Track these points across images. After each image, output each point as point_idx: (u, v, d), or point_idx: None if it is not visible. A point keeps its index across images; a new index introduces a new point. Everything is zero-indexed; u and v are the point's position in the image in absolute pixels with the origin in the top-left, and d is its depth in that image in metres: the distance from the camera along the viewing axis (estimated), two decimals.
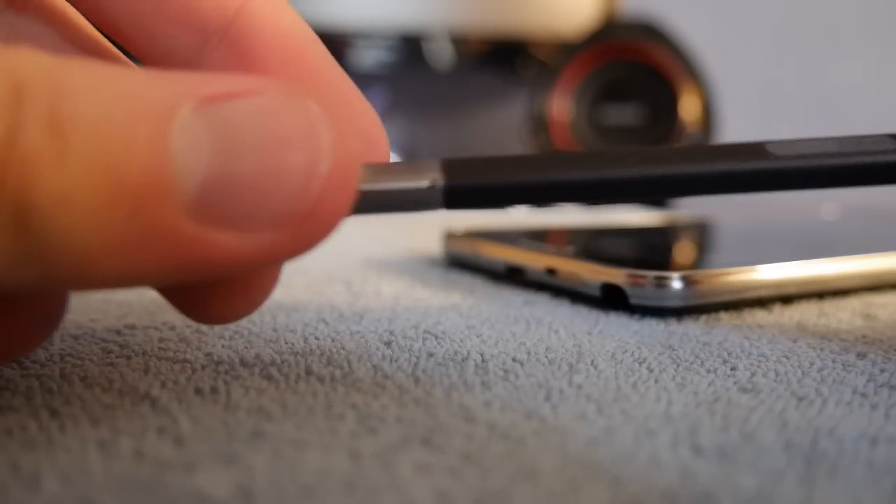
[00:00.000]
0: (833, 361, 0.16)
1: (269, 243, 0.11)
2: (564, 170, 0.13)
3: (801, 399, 0.14)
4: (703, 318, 0.20)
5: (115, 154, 0.10)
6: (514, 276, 0.25)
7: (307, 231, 0.11)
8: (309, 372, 0.15)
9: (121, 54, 0.15)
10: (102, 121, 0.10)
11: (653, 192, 0.14)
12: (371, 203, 0.13)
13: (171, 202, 0.10)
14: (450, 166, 0.13)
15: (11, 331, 0.13)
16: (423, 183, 0.13)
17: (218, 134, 0.10)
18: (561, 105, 0.61)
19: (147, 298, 0.22)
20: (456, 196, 0.13)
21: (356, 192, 0.12)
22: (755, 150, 0.14)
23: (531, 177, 0.13)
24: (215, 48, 0.14)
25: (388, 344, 0.17)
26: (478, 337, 0.18)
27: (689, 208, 0.57)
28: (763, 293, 0.22)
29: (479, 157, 0.13)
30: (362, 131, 0.14)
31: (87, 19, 0.14)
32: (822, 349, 0.17)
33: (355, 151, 0.11)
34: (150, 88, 0.10)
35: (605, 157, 0.14)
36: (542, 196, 0.14)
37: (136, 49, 0.14)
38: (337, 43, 0.66)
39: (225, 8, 0.14)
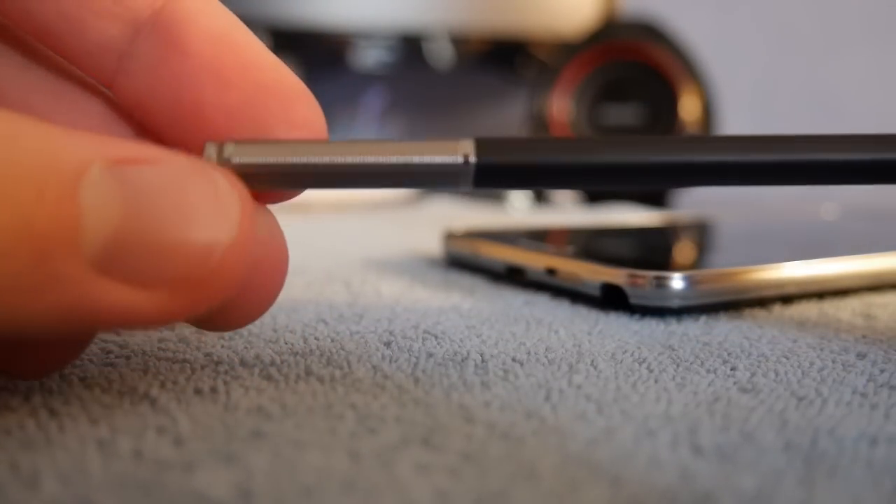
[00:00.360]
0: (833, 361, 0.16)
1: (164, 302, 0.11)
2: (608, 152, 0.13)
3: (801, 399, 0.14)
4: (703, 318, 0.20)
5: (26, 203, 0.10)
6: (514, 276, 0.25)
7: (202, 295, 0.11)
8: (308, 372, 0.15)
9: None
10: (16, 168, 0.10)
11: (697, 180, 0.14)
12: (406, 178, 0.13)
13: (76, 253, 0.10)
14: (482, 144, 0.13)
15: (39, 353, 0.14)
16: (457, 158, 0.13)
17: (128, 194, 0.11)
18: (561, 105, 0.61)
19: None
20: (486, 173, 0.13)
21: (245, 263, 0.12)
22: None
23: (568, 158, 0.13)
24: (145, 39, 0.14)
25: (387, 344, 0.17)
26: (478, 337, 0.18)
27: (688, 208, 0.57)
28: (763, 293, 0.22)
29: (511, 136, 0.14)
30: (298, 122, 0.14)
31: (18, 25, 0.14)
32: (822, 349, 0.17)
33: (255, 224, 0.12)
34: (66, 142, 0.11)
35: (652, 142, 0.14)
36: (577, 179, 0.14)
37: (67, 49, 0.14)
38: (337, 43, 0.66)
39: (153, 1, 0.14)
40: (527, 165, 0.13)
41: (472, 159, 0.13)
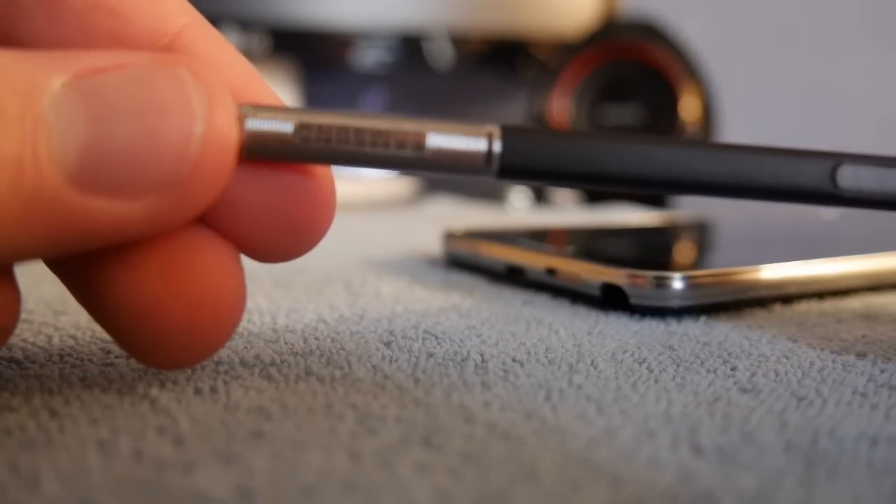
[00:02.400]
0: (833, 361, 0.16)
1: (152, 208, 0.11)
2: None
3: (801, 399, 0.14)
4: (703, 318, 0.20)
5: None
6: (514, 276, 0.25)
7: (190, 194, 0.11)
8: (309, 372, 0.15)
9: None
10: None
11: (703, 192, 0.14)
12: (435, 164, 0.13)
13: (51, 173, 0.10)
14: (507, 133, 0.13)
15: None
16: (481, 146, 0.13)
17: (92, 105, 0.11)
18: (561, 105, 0.61)
19: None
20: (511, 167, 0.13)
21: (238, 149, 0.12)
22: (823, 173, 0.14)
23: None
24: None
25: (387, 344, 0.17)
26: (478, 337, 0.18)
27: (688, 208, 0.57)
28: (763, 293, 0.22)
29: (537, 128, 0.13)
30: None
31: None
32: (822, 349, 0.17)
33: (232, 114, 0.12)
34: (19, 66, 0.11)
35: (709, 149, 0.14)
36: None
37: None
38: (337, 43, 0.66)
39: (158, 38, 0.14)
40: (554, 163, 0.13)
41: (498, 149, 0.13)
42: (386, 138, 0.13)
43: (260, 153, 0.12)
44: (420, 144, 0.13)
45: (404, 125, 0.13)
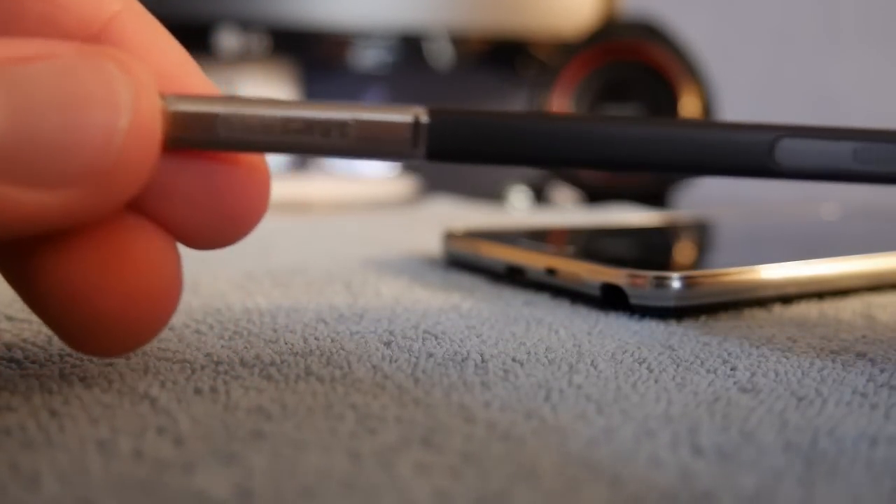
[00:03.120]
0: (833, 361, 0.16)
1: (74, 199, 0.11)
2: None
3: (801, 399, 0.14)
4: (703, 318, 0.20)
5: None
6: (514, 276, 0.25)
7: (112, 185, 0.11)
8: (308, 372, 0.15)
9: None
10: None
11: (639, 168, 0.14)
12: (362, 149, 0.13)
13: None
14: (436, 114, 0.13)
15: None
16: (408, 118, 0.13)
17: (14, 94, 0.11)
18: (561, 105, 0.61)
19: None
20: (439, 148, 0.13)
21: (163, 139, 0.12)
22: (761, 148, 0.13)
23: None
24: None
25: (387, 344, 0.17)
26: (477, 337, 0.18)
27: (688, 208, 0.57)
28: (763, 293, 0.22)
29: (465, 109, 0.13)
30: None
31: None
32: (822, 349, 0.17)
33: (157, 107, 0.12)
34: None
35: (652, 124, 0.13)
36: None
37: None
38: (337, 43, 0.66)
39: (89, 24, 0.14)
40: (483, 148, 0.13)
41: (425, 119, 0.13)
42: (311, 125, 0.13)
43: (185, 143, 0.13)
44: (345, 130, 0.13)
45: (329, 111, 0.13)
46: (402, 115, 0.13)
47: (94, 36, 0.14)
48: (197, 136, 0.13)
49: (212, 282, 0.24)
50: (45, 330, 0.18)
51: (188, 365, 0.15)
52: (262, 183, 0.14)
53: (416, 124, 0.13)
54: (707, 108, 0.59)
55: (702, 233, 0.34)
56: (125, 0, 0.14)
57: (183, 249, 0.14)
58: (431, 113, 0.13)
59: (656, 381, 0.15)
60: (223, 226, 0.14)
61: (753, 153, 0.13)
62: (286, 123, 0.13)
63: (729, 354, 0.17)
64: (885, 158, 0.13)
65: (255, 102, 0.13)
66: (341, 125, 0.13)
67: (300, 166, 0.66)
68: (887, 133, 0.13)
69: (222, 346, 0.17)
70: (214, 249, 0.14)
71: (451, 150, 0.13)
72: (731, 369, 0.16)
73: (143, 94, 0.12)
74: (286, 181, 0.65)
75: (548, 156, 0.13)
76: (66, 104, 0.11)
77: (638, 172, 0.13)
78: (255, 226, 0.14)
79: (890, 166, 0.13)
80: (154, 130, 0.12)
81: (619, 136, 0.13)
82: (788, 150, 0.13)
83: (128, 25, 0.14)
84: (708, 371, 0.16)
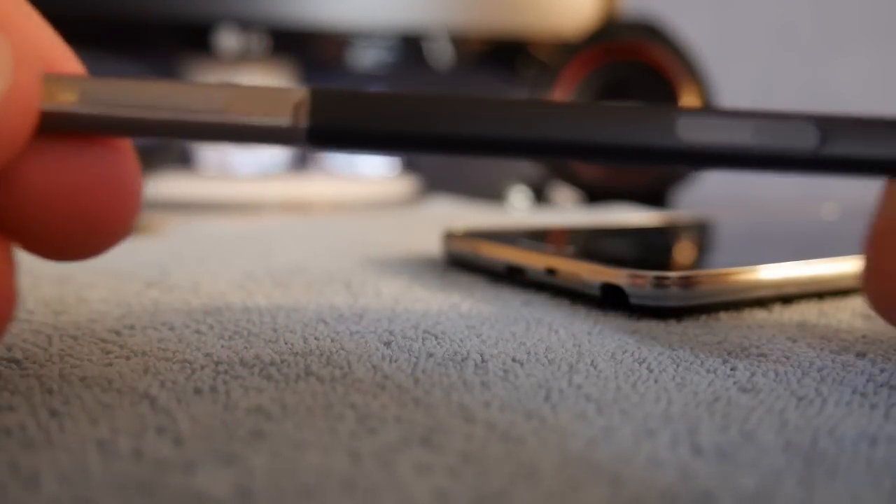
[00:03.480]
0: (833, 361, 0.16)
1: None
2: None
3: (800, 399, 0.14)
4: (703, 318, 0.20)
5: None
6: (514, 276, 0.25)
7: None
8: (308, 372, 0.15)
9: None
10: None
11: (541, 154, 0.13)
12: (233, 133, 0.12)
13: None
14: (316, 97, 0.12)
15: None
16: (286, 122, 0.12)
17: None
18: None
19: (146, 298, 0.22)
20: (320, 135, 0.12)
21: (38, 112, 0.12)
22: (661, 126, 0.13)
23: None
24: None
25: (387, 344, 0.17)
26: (477, 337, 0.18)
27: (688, 208, 0.57)
28: (763, 293, 0.22)
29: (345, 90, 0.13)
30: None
31: None
32: (822, 349, 0.17)
33: (35, 74, 0.12)
34: None
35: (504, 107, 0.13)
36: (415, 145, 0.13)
37: None
38: (337, 43, 0.66)
39: None
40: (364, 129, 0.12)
41: (304, 124, 0.12)
42: (186, 105, 0.12)
43: (56, 123, 0.12)
44: (220, 112, 0.12)
45: (205, 91, 0.12)
46: (281, 95, 0.12)
47: None
48: (69, 117, 0.12)
49: (212, 282, 0.24)
50: (45, 330, 0.18)
51: (188, 365, 0.15)
52: (130, 185, 0.13)
53: (297, 104, 0.12)
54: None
55: (702, 233, 0.34)
56: None
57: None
58: (313, 92, 0.12)
59: (656, 381, 0.15)
60: (82, 231, 0.13)
61: (657, 131, 0.13)
62: (159, 101, 0.12)
63: (729, 354, 0.17)
64: (783, 135, 0.13)
65: (130, 82, 0.12)
66: (218, 105, 0.12)
67: (300, 166, 0.66)
68: (785, 113, 0.13)
69: (222, 346, 0.17)
70: (67, 261, 0.13)
71: (335, 132, 0.12)
72: (731, 369, 0.16)
73: (23, 61, 0.11)
74: (286, 181, 0.65)
75: (437, 139, 0.13)
76: None
77: (539, 158, 0.13)
78: (121, 236, 0.13)
79: (788, 142, 0.13)
80: (32, 98, 0.12)
81: (517, 118, 0.13)
82: (690, 126, 0.13)
83: (7, 9, 0.13)
84: (708, 371, 0.16)
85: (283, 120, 0.12)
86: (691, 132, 0.13)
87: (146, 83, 0.12)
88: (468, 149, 0.13)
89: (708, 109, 0.13)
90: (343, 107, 0.12)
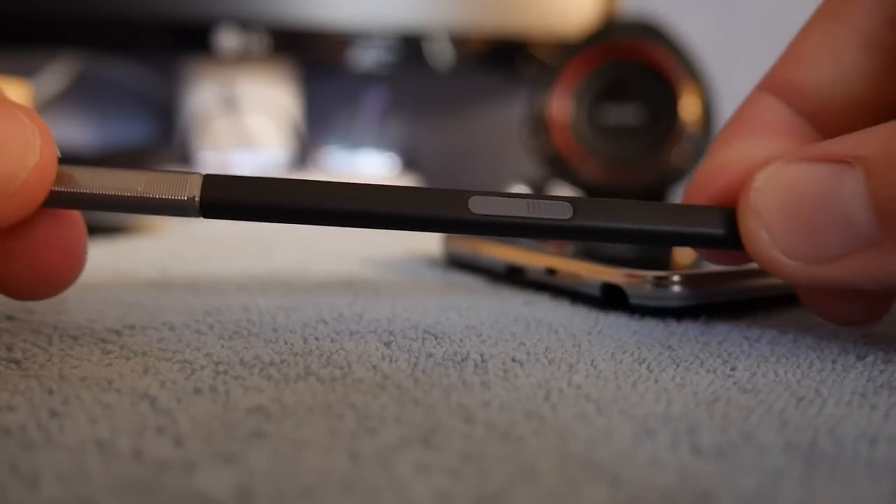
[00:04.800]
0: (833, 362, 0.16)
1: None
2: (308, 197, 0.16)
3: (800, 399, 0.14)
4: (703, 318, 0.20)
5: None
6: (514, 276, 0.25)
7: (9, 208, 0.14)
8: (308, 372, 0.15)
9: None
10: None
11: (367, 224, 0.17)
12: (138, 206, 0.16)
13: None
14: (208, 181, 0.16)
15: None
16: (183, 196, 0.16)
17: None
18: (561, 105, 0.61)
19: (146, 298, 0.22)
20: (211, 207, 0.16)
21: (51, 182, 0.15)
22: (458, 202, 0.16)
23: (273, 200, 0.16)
24: None
25: (387, 344, 0.17)
26: (477, 337, 0.18)
27: None
28: (763, 293, 0.22)
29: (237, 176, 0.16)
30: None
31: None
32: (822, 349, 0.17)
33: (55, 154, 0.15)
34: None
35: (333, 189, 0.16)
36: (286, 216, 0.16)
37: None
38: (337, 43, 0.66)
39: None
40: (244, 204, 0.16)
41: (197, 198, 0.16)
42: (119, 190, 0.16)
43: (57, 200, 0.16)
44: (137, 193, 0.16)
45: (125, 178, 0.16)
46: (180, 183, 0.16)
47: None
48: (64, 194, 0.16)
49: (212, 282, 0.24)
50: (45, 330, 0.18)
51: (188, 365, 0.15)
52: (76, 247, 0.17)
53: (192, 184, 0.16)
54: (707, 108, 0.59)
55: None
56: None
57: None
58: (205, 179, 0.16)
59: (656, 381, 0.15)
60: (38, 281, 0.17)
61: (452, 206, 0.16)
62: (101, 195, 0.16)
63: (729, 354, 0.17)
64: (548, 209, 0.16)
65: (97, 171, 0.16)
66: (134, 188, 0.16)
67: (300, 166, 0.66)
68: (550, 195, 0.17)
69: (222, 346, 0.17)
70: (32, 301, 0.18)
71: (219, 204, 0.16)
72: (731, 369, 0.16)
73: (47, 141, 0.15)
74: None
75: (290, 212, 0.16)
76: None
77: (381, 228, 0.17)
78: (71, 283, 0.17)
79: (552, 214, 0.16)
80: (51, 172, 0.15)
81: (350, 196, 0.16)
82: (478, 203, 0.16)
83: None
84: (708, 371, 0.16)
85: (182, 196, 0.16)
86: (479, 207, 0.16)
87: (106, 171, 0.16)
88: (319, 219, 0.16)
89: (489, 193, 0.17)
90: (226, 186, 0.16)
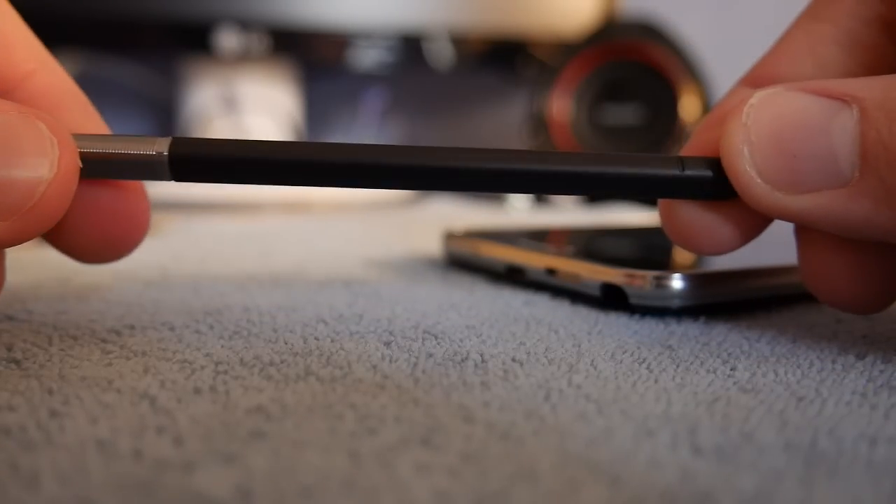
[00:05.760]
0: (833, 362, 0.16)
1: (3, 229, 0.14)
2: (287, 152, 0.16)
3: (800, 399, 0.14)
4: (703, 318, 0.20)
5: None
6: (514, 276, 0.25)
7: (32, 222, 0.14)
8: (308, 372, 0.15)
9: None
10: None
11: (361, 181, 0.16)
12: (107, 169, 0.16)
13: None
14: (177, 139, 0.16)
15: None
16: (151, 151, 0.16)
17: None
18: (561, 105, 0.61)
19: (147, 299, 0.22)
20: (181, 166, 0.16)
21: (72, 194, 0.15)
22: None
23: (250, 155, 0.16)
24: None
25: (387, 344, 0.17)
26: (477, 337, 0.18)
27: None
28: (763, 293, 0.22)
29: (206, 138, 0.16)
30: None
31: None
32: (821, 349, 0.17)
33: (76, 160, 0.15)
34: None
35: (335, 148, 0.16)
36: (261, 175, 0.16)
37: None
38: (336, 43, 0.66)
39: (5, 82, 0.16)
40: (215, 159, 0.16)
41: (165, 152, 0.16)
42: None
43: (86, 173, 0.16)
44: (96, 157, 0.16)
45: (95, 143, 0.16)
46: (149, 142, 0.16)
47: (10, 91, 0.16)
48: (91, 167, 0.16)
49: (212, 282, 0.24)
50: (45, 330, 0.18)
51: (188, 365, 0.15)
52: (140, 214, 0.18)
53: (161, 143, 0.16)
54: (707, 108, 0.59)
55: None
56: (41, 58, 0.17)
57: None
58: (174, 138, 0.16)
59: (656, 382, 0.15)
60: (106, 247, 0.18)
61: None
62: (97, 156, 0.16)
63: (729, 354, 0.17)
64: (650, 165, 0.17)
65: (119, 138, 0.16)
66: (103, 148, 0.16)
67: None
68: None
69: (222, 346, 0.17)
70: (101, 264, 0.18)
71: (194, 166, 0.16)
72: (731, 369, 0.16)
73: (65, 149, 0.14)
74: None
75: (271, 176, 0.16)
76: (5, 154, 0.14)
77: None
78: (136, 246, 0.18)
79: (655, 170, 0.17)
80: (72, 181, 0.15)
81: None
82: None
83: (41, 84, 0.17)
84: (708, 371, 0.16)
85: (150, 151, 0.16)
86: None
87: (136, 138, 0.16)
88: (305, 177, 0.16)
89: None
90: (196, 143, 0.16)
